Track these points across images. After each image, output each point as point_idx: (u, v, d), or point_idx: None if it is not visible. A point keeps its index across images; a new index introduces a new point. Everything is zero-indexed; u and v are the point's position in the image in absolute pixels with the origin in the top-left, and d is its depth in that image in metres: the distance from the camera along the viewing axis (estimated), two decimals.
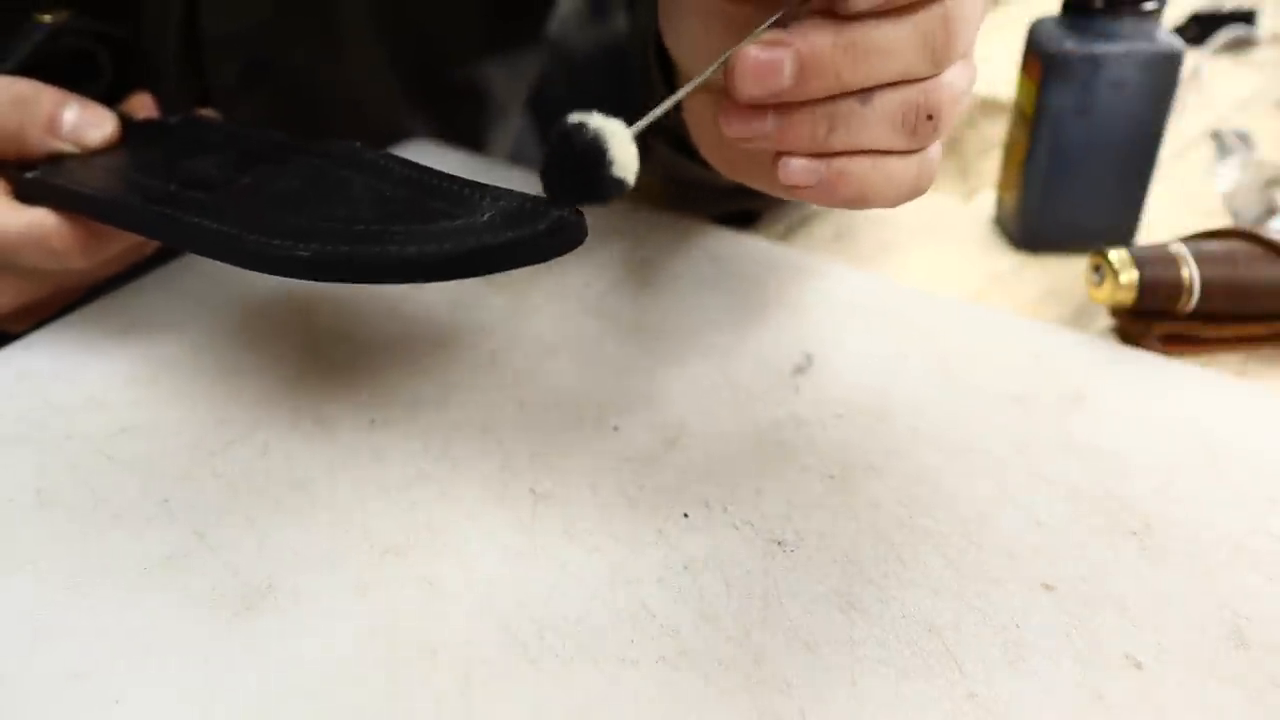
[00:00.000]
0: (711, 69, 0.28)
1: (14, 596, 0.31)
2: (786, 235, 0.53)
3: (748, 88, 0.27)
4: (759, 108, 0.28)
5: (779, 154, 0.29)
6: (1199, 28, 0.77)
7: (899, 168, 0.30)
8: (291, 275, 0.31)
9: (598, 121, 0.27)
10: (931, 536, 0.33)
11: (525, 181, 0.54)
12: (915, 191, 0.31)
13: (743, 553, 0.33)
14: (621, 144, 0.27)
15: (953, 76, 0.29)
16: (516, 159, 0.72)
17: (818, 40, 0.27)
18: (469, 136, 0.64)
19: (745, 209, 0.54)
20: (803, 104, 0.28)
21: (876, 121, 0.29)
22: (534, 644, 0.29)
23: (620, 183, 0.27)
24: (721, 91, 0.29)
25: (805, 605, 0.31)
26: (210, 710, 0.28)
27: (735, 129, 0.29)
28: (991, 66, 0.73)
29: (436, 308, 0.44)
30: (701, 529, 0.33)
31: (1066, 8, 0.48)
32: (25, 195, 0.38)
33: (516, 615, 0.30)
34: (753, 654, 0.29)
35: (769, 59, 0.27)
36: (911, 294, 0.46)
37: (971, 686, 0.29)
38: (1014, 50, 0.50)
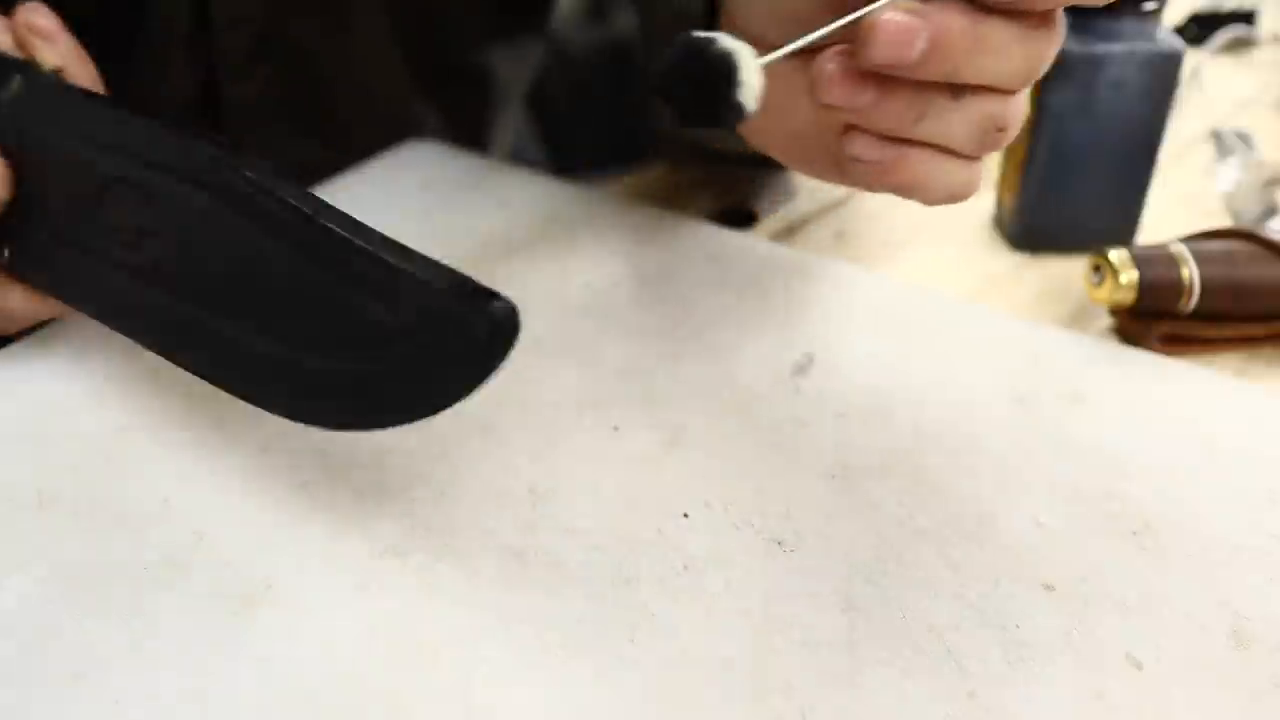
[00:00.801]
0: (845, 21, 0.27)
1: (14, 596, 0.31)
2: (786, 235, 0.53)
3: (882, 52, 0.27)
4: (863, 79, 0.28)
5: (850, 127, 0.30)
6: (1199, 28, 0.77)
7: (956, 169, 0.31)
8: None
9: (729, 42, 0.26)
10: (931, 536, 0.33)
11: (527, 183, 0.54)
12: (959, 197, 0.32)
13: (743, 553, 0.33)
14: (750, 68, 0.26)
15: (1024, 98, 0.30)
16: (517, 157, 0.73)
17: (953, 22, 0.27)
18: (473, 123, 0.65)
19: (741, 209, 0.54)
20: (903, 84, 0.28)
21: (961, 121, 0.29)
22: (534, 644, 0.29)
23: (744, 109, 0.26)
24: (815, 56, 0.28)
25: (805, 605, 0.31)
26: (210, 710, 0.28)
27: (835, 95, 0.29)
28: None
29: None
30: (701, 529, 0.33)
31: (1066, 8, 0.48)
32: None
33: (516, 615, 0.30)
34: (753, 654, 0.29)
35: (909, 27, 0.27)
36: (911, 294, 0.46)
37: (971, 686, 0.29)
38: None
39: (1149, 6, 0.46)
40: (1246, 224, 0.54)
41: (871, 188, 0.31)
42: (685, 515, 0.34)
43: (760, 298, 0.46)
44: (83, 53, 0.39)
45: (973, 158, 0.31)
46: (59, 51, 0.38)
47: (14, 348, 0.41)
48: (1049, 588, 0.32)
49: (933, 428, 0.38)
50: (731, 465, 0.36)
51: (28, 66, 0.38)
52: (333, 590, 0.31)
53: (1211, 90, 0.70)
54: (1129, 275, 0.43)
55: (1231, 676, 0.29)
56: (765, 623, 0.30)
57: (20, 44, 0.38)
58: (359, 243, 0.29)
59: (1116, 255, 0.43)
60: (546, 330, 0.43)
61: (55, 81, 0.37)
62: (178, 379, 0.39)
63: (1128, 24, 0.47)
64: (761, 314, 0.44)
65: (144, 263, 0.34)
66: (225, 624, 0.30)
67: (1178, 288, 0.43)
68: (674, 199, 0.56)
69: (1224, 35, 0.76)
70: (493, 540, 0.33)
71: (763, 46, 0.28)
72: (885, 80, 0.28)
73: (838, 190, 0.57)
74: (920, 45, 0.27)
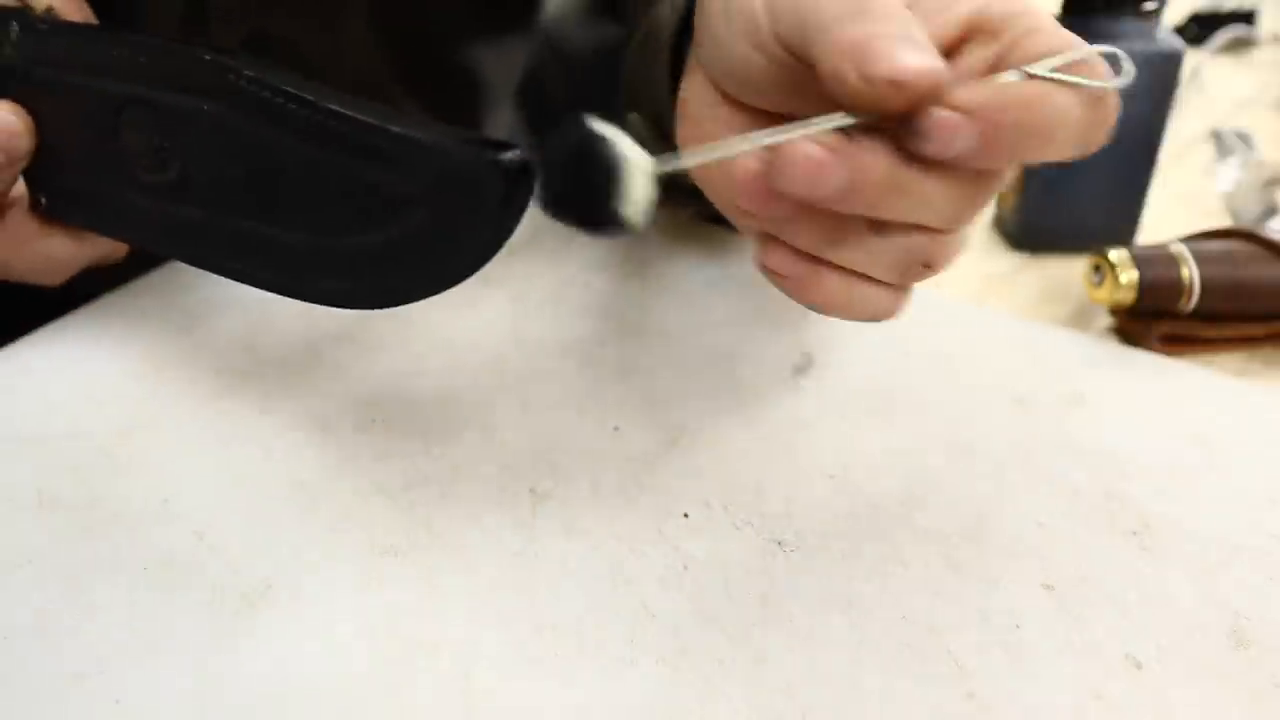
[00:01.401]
0: (765, 142, 0.25)
1: (14, 596, 0.31)
2: None
3: (792, 185, 0.25)
4: (780, 195, 0.26)
5: (767, 235, 0.28)
6: (1199, 28, 0.77)
7: (875, 296, 0.29)
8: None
9: (624, 147, 0.24)
10: (931, 536, 0.33)
11: None
12: (880, 318, 0.30)
13: (743, 553, 0.33)
14: (640, 182, 0.24)
15: (961, 235, 0.29)
16: None
17: (874, 165, 0.25)
18: (461, 123, 0.64)
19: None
20: (818, 213, 0.27)
21: (880, 253, 0.28)
22: (534, 644, 0.29)
23: (624, 223, 0.24)
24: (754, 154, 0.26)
25: (805, 605, 0.31)
26: (210, 710, 0.28)
27: (748, 202, 0.27)
28: None
29: (437, 308, 0.44)
30: (701, 529, 0.33)
31: (1066, 8, 0.48)
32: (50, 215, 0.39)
33: (516, 615, 0.30)
34: (753, 654, 0.29)
35: (823, 164, 0.25)
36: (911, 294, 0.46)
37: (971, 686, 0.29)
38: None
39: (1149, 6, 0.46)
40: (1246, 224, 0.54)
41: (789, 296, 0.30)
42: (685, 515, 0.34)
43: (760, 298, 0.46)
44: (85, 5, 0.39)
45: (897, 287, 0.29)
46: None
47: (14, 348, 0.41)
48: (1049, 588, 0.32)
49: (933, 428, 0.38)
50: (731, 465, 0.36)
51: (22, 10, 0.38)
52: (333, 590, 0.31)
53: (1211, 90, 0.70)
54: (1129, 275, 0.43)
55: (1231, 676, 0.29)
56: (765, 623, 0.30)
57: None
58: (363, 118, 0.29)
59: (1116, 255, 0.43)
60: (546, 330, 0.43)
61: (50, 20, 0.37)
62: (179, 380, 0.40)
63: (1128, 24, 0.47)
64: (761, 314, 0.44)
65: (169, 180, 0.35)
66: (225, 624, 0.30)
67: (1178, 288, 0.43)
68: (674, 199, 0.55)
69: (1224, 35, 0.76)
70: (493, 540, 0.33)
71: (717, 91, 0.27)
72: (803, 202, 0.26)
73: None
74: (835, 184, 0.25)
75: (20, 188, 0.39)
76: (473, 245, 0.29)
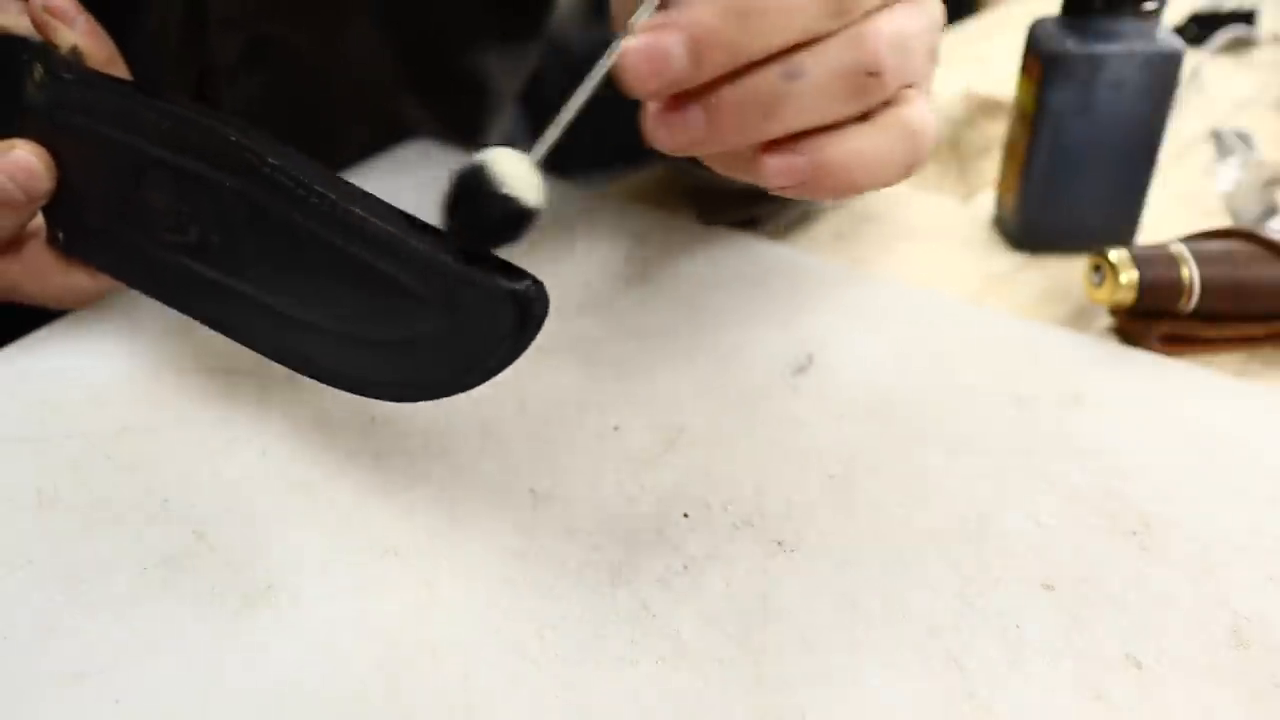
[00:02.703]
0: (602, 67, 0.26)
1: (14, 596, 0.31)
2: (786, 235, 0.53)
3: (643, 83, 0.25)
4: (680, 107, 0.26)
5: (759, 154, 0.28)
6: (1199, 28, 0.77)
7: (879, 144, 0.28)
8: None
9: (488, 155, 0.26)
10: (931, 536, 0.33)
11: None
12: (909, 166, 0.29)
13: (743, 553, 0.33)
14: (519, 174, 0.26)
15: (887, 23, 0.27)
16: None
17: (702, 14, 0.25)
18: (467, 126, 0.64)
19: (754, 214, 0.54)
20: (725, 93, 0.26)
21: (812, 94, 0.27)
22: (534, 644, 0.29)
23: (529, 212, 0.27)
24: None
25: (805, 605, 0.31)
26: (210, 710, 0.28)
27: (663, 138, 0.27)
28: (991, 66, 0.73)
29: None
30: (701, 529, 0.33)
31: (1066, 8, 0.48)
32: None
33: (516, 615, 0.30)
34: (753, 654, 0.29)
35: (655, 45, 0.25)
36: (911, 294, 0.46)
37: (971, 686, 0.29)
38: (1014, 50, 0.50)
39: (1149, 6, 0.46)
40: (1246, 224, 0.54)
41: (820, 198, 0.29)
42: (685, 515, 0.34)
43: (760, 298, 0.46)
44: (100, 29, 0.39)
45: (877, 118, 0.28)
46: (77, 32, 0.38)
47: (14, 348, 0.41)
48: (1049, 588, 0.32)
49: (933, 428, 0.38)
50: (731, 465, 0.36)
51: (46, 51, 0.38)
52: (333, 590, 0.31)
53: (1211, 90, 0.70)
54: (1129, 275, 0.43)
55: (1231, 676, 0.29)
56: (765, 623, 0.30)
57: (37, 26, 0.38)
58: (383, 226, 0.30)
59: (1116, 255, 0.43)
60: (546, 330, 0.43)
61: (74, 64, 0.37)
62: (179, 380, 0.40)
63: (1128, 24, 0.47)
64: (761, 314, 0.44)
65: (189, 242, 0.35)
66: (225, 624, 0.30)
67: (1178, 288, 0.43)
68: (674, 199, 0.55)
69: (1224, 35, 0.76)
70: (493, 540, 0.33)
71: None
72: (705, 98, 0.26)
73: None
74: (679, 53, 0.25)
75: (40, 221, 0.39)
76: (484, 361, 0.29)
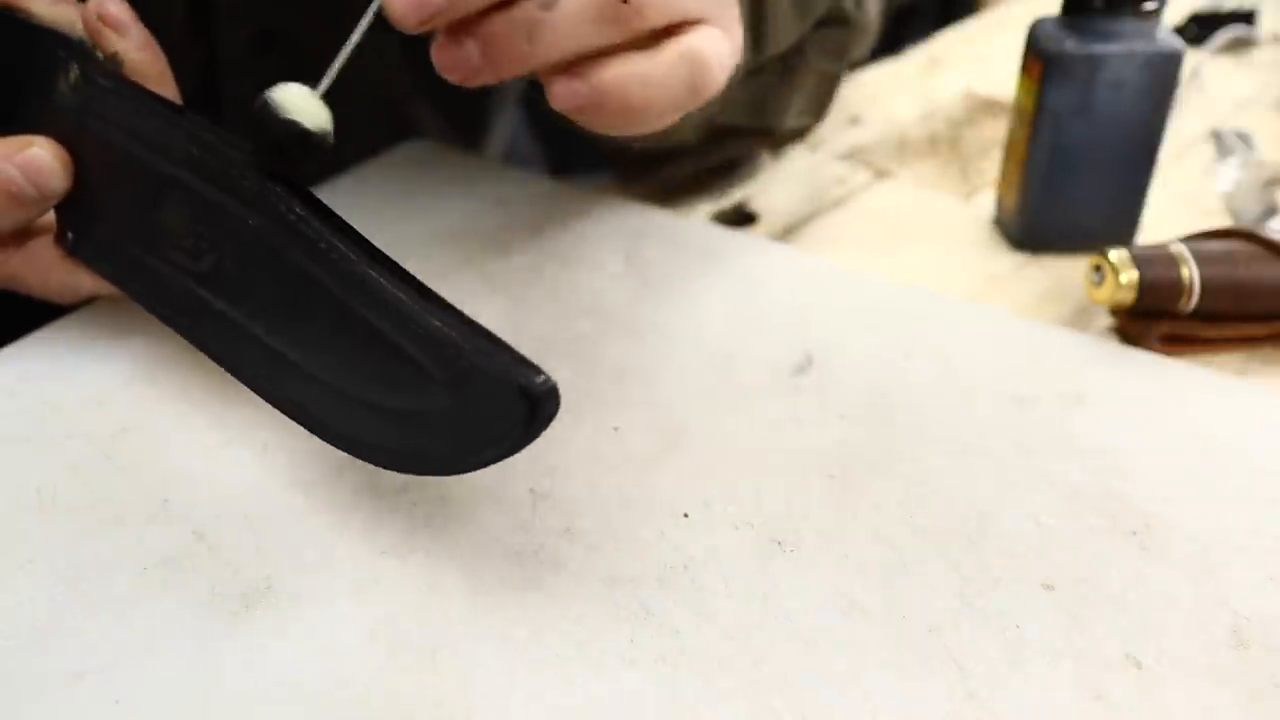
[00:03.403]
0: (369, 13, 0.31)
1: (14, 596, 0.31)
2: (786, 235, 0.53)
3: (405, 18, 0.29)
4: (458, 40, 0.30)
5: (547, 82, 0.32)
6: (1199, 28, 0.77)
7: (653, 68, 0.32)
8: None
9: (279, 90, 0.30)
10: (931, 536, 0.33)
11: (526, 183, 0.54)
12: (690, 90, 0.32)
13: (743, 553, 0.33)
14: (299, 104, 0.30)
15: None
16: (511, 157, 0.72)
17: None
18: (470, 123, 0.65)
19: (741, 209, 0.54)
20: (490, 23, 0.30)
21: (568, 20, 0.30)
22: (534, 644, 0.29)
23: (316, 137, 0.30)
24: None
25: (805, 605, 0.31)
26: (210, 710, 0.28)
27: (447, 68, 0.31)
28: (991, 66, 0.74)
29: None
30: (701, 529, 0.33)
31: (1066, 8, 0.48)
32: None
33: (516, 615, 0.30)
34: (753, 654, 0.29)
35: None
36: (911, 294, 0.46)
37: (971, 686, 0.29)
38: (1014, 50, 0.50)
39: (1149, 6, 0.46)
40: (1246, 224, 0.54)
41: (608, 125, 0.33)
42: (685, 515, 0.34)
43: (760, 298, 0.46)
44: (154, 44, 0.39)
45: (655, 48, 0.32)
46: (131, 44, 0.38)
47: (14, 348, 0.41)
48: (1049, 588, 0.32)
49: (933, 428, 0.38)
50: (731, 465, 0.36)
51: (86, 52, 0.37)
52: (332, 590, 0.31)
53: (1211, 90, 0.70)
54: (1129, 275, 0.43)
55: (1231, 676, 0.29)
56: (765, 623, 0.30)
57: (88, 29, 0.38)
58: (401, 297, 0.29)
59: (1116, 255, 0.43)
60: (546, 330, 0.43)
61: (112, 71, 0.37)
62: (178, 380, 0.40)
63: (1127, 24, 0.47)
64: (761, 314, 0.44)
65: (201, 269, 0.34)
66: (225, 624, 0.30)
67: (1178, 288, 0.43)
68: (674, 199, 0.56)
69: (1224, 35, 0.76)
70: (493, 540, 0.33)
71: None
72: (477, 29, 0.30)
73: (838, 190, 0.57)
74: None
75: (50, 217, 0.39)
76: (483, 450, 0.29)
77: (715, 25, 0.33)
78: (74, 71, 0.37)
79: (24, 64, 0.39)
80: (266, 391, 0.33)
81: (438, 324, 0.28)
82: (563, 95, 0.32)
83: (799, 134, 0.58)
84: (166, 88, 0.39)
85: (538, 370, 0.27)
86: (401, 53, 0.57)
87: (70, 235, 0.38)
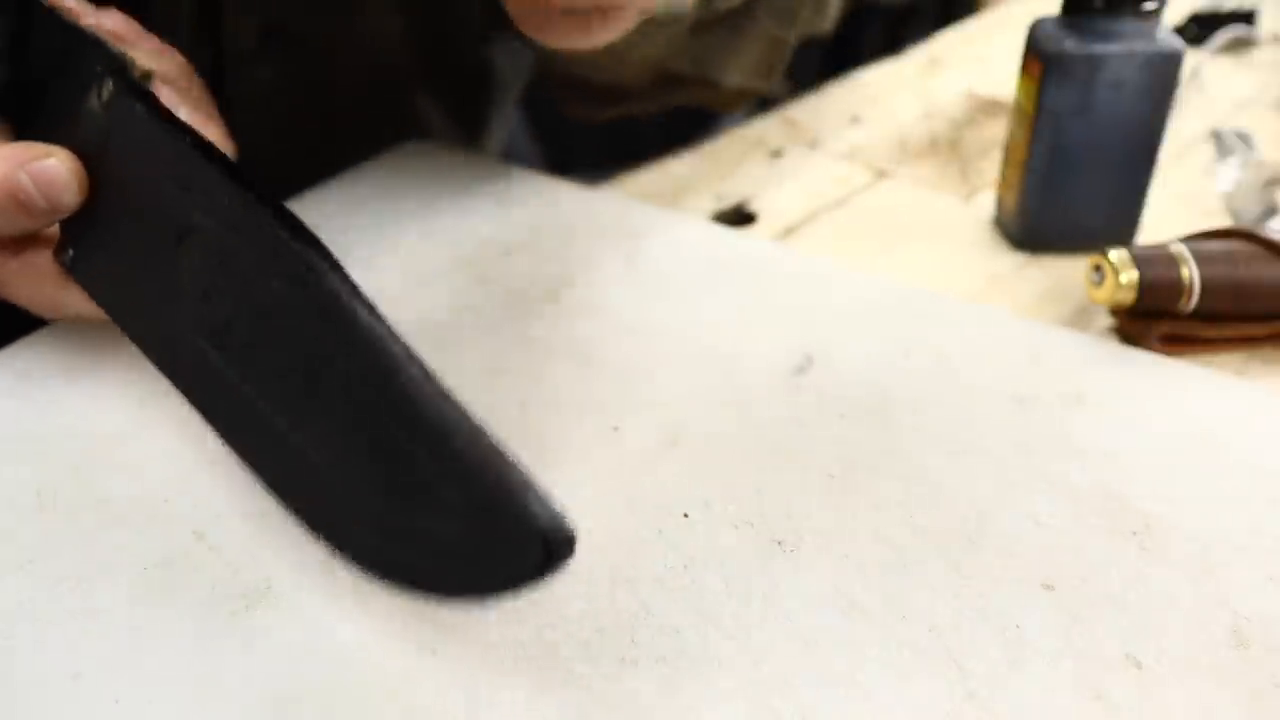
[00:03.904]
0: None
1: (14, 596, 0.31)
2: (786, 235, 0.53)
3: None
4: None
5: None
6: (1199, 28, 0.77)
7: None
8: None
9: None
10: (931, 536, 0.33)
11: (526, 182, 0.54)
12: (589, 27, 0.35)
13: (743, 553, 0.33)
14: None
15: None
16: (509, 155, 0.73)
17: None
18: (472, 119, 0.65)
19: (741, 209, 0.54)
20: None
21: None
22: (534, 644, 0.29)
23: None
24: None
25: (805, 605, 0.31)
26: (210, 710, 0.28)
27: None
28: (991, 66, 0.74)
29: (436, 309, 0.44)
30: (701, 529, 0.33)
31: (1066, 8, 0.48)
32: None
33: (516, 615, 0.30)
34: (753, 654, 0.29)
35: None
36: (911, 294, 0.46)
37: (971, 686, 0.29)
38: (1014, 50, 0.50)
39: (1149, 6, 0.46)
40: (1246, 224, 0.54)
41: (560, 22, 0.34)
42: (685, 515, 0.34)
43: (760, 298, 0.46)
44: (171, 50, 0.38)
45: None
46: (140, 53, 0.37)
47: (14, 348, 0.41)
48: (1049, 588, 0.32)
49: (933, 428, 0.38)
50: (731, 465, 0.36)
51: (123, 69, 0.35)
52: (333, 590, 0.31)
53: (1211, 90, 0.70)
54: (1129, 275, 0.43)
55: (1231, 676, 0.29)
56: (765, 623, 0.30)
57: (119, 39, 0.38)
58: (431, 411, 0.27)
59: (1116, 255, 0.43)
60: (546, 330, 0.43)
61: (147, 94, 0.34)
62: None
63: (1127, 24, 0.47)
64: (761, 314, 0.44)
65: (211, 324, 0.31)
66: (225, 624, 0.30)
67: (1178, 288, 0.43)
68: (674, 199, 0.56)
69: (1224, 35, 0.76)
70: None
71: None
72: None
73: (838, 190, 0.57)
74: None
75: (53, 228, 0.37)
76: (484, 585, 0.26)
77: None
78: (108, 89, 0.35)
79: (59, 67, 0.37)
80: (257, 465, 0.31)
81: (462, 443, 0.26)
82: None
83: (747, 94, 0.59)
84: (214, 131, 0.38)
85: (560, 514, 0.25)
86: (407, 44, 0.58)
87: (71, 251, 0.36)
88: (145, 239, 0.34)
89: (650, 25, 0.46)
